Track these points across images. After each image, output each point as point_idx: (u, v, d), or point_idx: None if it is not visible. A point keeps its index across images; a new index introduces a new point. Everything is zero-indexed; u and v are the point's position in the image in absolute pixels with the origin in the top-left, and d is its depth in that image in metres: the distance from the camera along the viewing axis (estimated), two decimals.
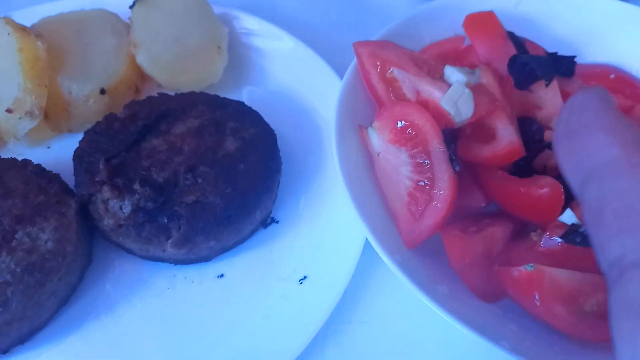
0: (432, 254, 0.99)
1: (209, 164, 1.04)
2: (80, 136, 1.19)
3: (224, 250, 1.05)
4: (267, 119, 1.16)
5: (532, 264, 0.87)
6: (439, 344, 0.99)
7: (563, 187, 0.94)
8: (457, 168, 0.95)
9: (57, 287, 0.94)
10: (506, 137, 1.00)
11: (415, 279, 0.87)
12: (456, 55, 1.21)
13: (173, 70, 1.24)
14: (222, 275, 1.03)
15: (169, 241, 0.98)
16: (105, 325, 0.97)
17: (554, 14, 1.29)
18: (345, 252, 1.02)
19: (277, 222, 1.11)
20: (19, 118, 1.11)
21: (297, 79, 1.32)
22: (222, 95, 1.21)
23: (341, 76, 1.25)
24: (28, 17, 1.27)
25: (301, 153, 1.20)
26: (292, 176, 1.16)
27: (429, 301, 0.84)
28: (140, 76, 1.29)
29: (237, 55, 1.36)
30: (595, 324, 0.89)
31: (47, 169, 1.08)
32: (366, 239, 1.02)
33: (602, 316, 0.90)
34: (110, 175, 1.00)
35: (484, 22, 1.21)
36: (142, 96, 1.26)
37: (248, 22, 1.41)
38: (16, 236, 0.94)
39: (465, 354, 0.97)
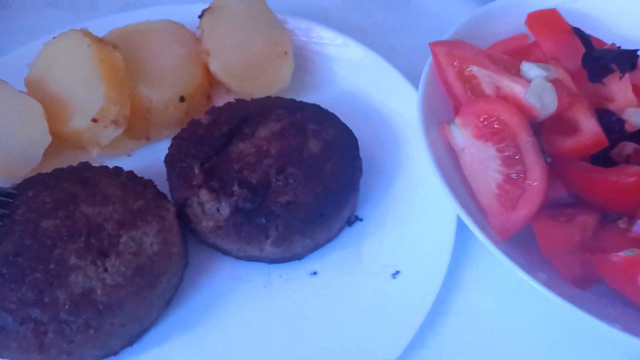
0: (518, 245, 1.02)
1: (296, 165, 1.07)
2: (158, 144, 1.24)
3: (316, 248, 1.08)
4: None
5: (632, 249, 0.90)
6: (532, 333, 1.01)
7: None
8: (549, 159, 0.98)
9: (165, 288, 0.96)
10: (590, 128, 1.03)
11: (521, 267, 0.90)
12: (522, 52, 1.24)
13: (244, 76, 1.27)
14: (315, 273, 1.06)
15: (268, 240, 1.00)
16: (208, 324, 0.99)
17: (610, 9, 1.33)
18: (436, 246, 1.05)
19: (362, 220, 1.13)
20: (104, 127, 1.14)
21: (361, 80, 1.35)
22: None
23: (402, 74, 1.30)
24: (96, 29, 1.30)
25: (375, 152, 1.23)
26: (370, 175, 1.18)
27: (541, 287, 0.87)
28: (210, 83, 1.31)
29: (299, 59, 1.39)
30: None
31: None
32: (455, 233, 1.05)
33: None
34: (205, 178, 1.03)
35: (547, 19, 1.24)
36: (213, 103, 1.29)
37: (306, 28, 1.44)
38: (121, 240, 0.96)
39: (559, 342, 1.00)
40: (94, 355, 0.92)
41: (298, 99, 1.25)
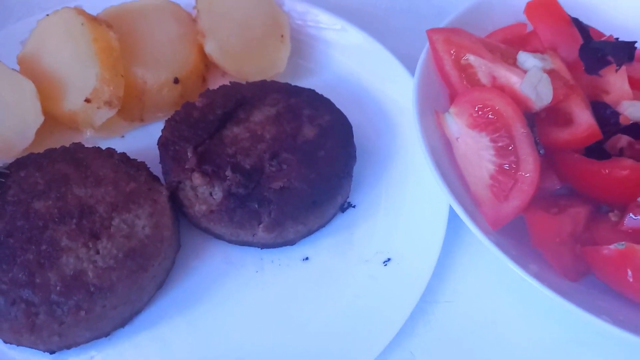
0: (510, 235, 1.02)
1: (290, 150, 1.06)
2: (152, 126, 1.23)
3: (308, 233, 1.08)
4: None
5: (623, 242, 0.90)
6: (522, 322, 1.02)
7: None
8: (542, 151, 0.98)
9: (157, 271, 0.96)
10: (584, 120, 1.03)
11: (512, 258, 0.90)
12: (519, 41, 1.24)
13: (240, 59, 1.26)
14: (307, 258, 1.06)
15: (261, 226, 1.00)
16: (200, 307, 1.00)
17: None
18: (427, 234, 1.05)
19: (354, 206, 1.13)
20: (97, 108, 1.13)
21: (358, 66, 1.34)
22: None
23: (399, 61, 1.29)
24: (91, 7, 1.28)
25: (370, 138, 1.22)
26: (363, 161, 1.18)
27: (531, 279, 0.87)
28: (206, 65, 1.30)
29: (295, 42, 1.37)
30: None
31: None
32: (448, 221, 1.05)
33: None
34: (199, 162, 1.02)
35: (546, 8, 1.23)
36: (209, 86, 1.28)
37: (303, 11, 1.42)
38: (113, 223, 0.96)
39: (548, 332, 1.01)
40: (85, 336, 0.93)
41: (293, 83, 1.24)
